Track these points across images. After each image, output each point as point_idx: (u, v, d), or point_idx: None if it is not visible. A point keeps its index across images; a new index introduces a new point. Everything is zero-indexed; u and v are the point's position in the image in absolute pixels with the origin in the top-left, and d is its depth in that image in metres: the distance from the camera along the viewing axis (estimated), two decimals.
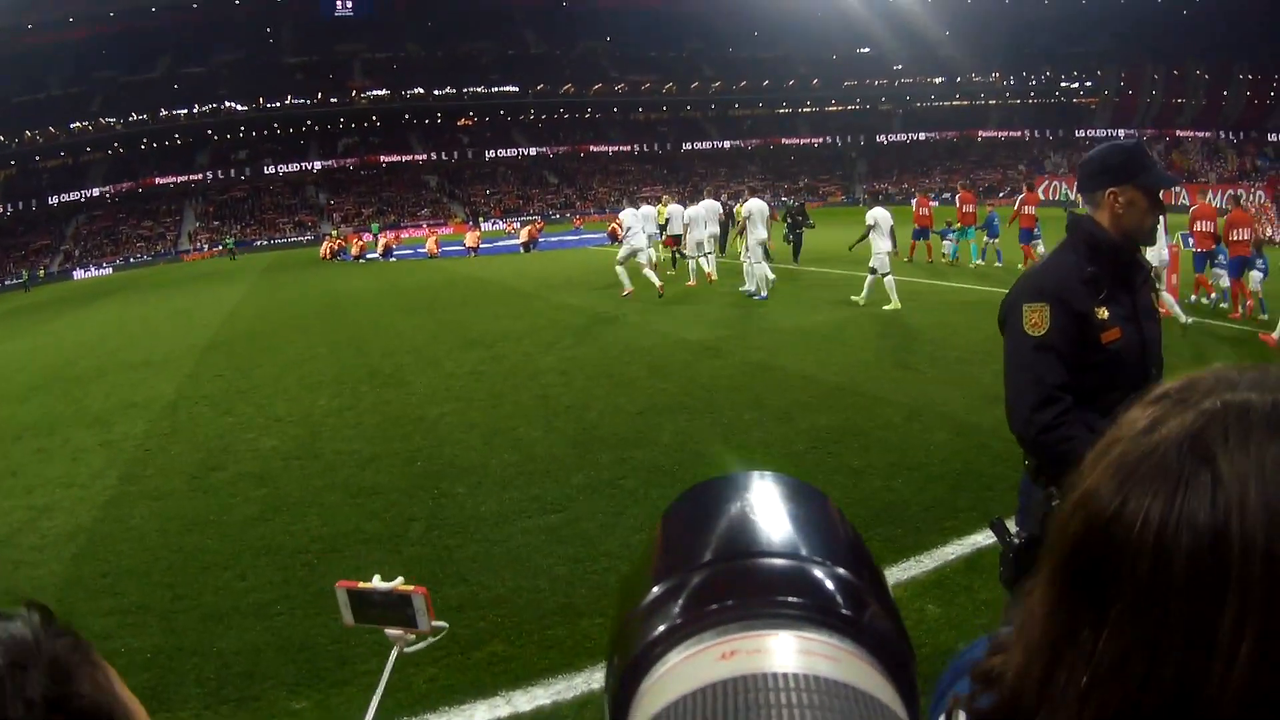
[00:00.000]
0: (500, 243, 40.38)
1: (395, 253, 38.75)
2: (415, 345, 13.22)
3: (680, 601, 0.41)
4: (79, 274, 59.25)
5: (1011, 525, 3.06)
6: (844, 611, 0.40)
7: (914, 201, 23.06)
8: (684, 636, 0.39)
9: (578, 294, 18.26)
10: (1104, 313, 2.78)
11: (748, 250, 16.33)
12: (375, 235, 45.44)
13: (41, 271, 59.02)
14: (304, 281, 29.06)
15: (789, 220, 23.02)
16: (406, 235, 55.02)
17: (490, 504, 6.24)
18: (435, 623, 1.67)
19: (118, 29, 74.90)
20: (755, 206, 16.57)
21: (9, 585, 5.62)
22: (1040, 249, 18.14)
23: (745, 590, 0.40)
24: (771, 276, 16.12)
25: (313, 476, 7.27)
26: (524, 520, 5.89)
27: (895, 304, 13.60)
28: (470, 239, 36.78)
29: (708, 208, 18.80)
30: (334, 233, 53.09)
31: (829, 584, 0.41)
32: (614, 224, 34.38)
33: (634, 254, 16.78)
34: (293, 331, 16.10)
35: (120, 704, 0.76)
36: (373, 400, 9.79)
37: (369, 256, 38.49)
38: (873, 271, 14.10)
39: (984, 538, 5.05)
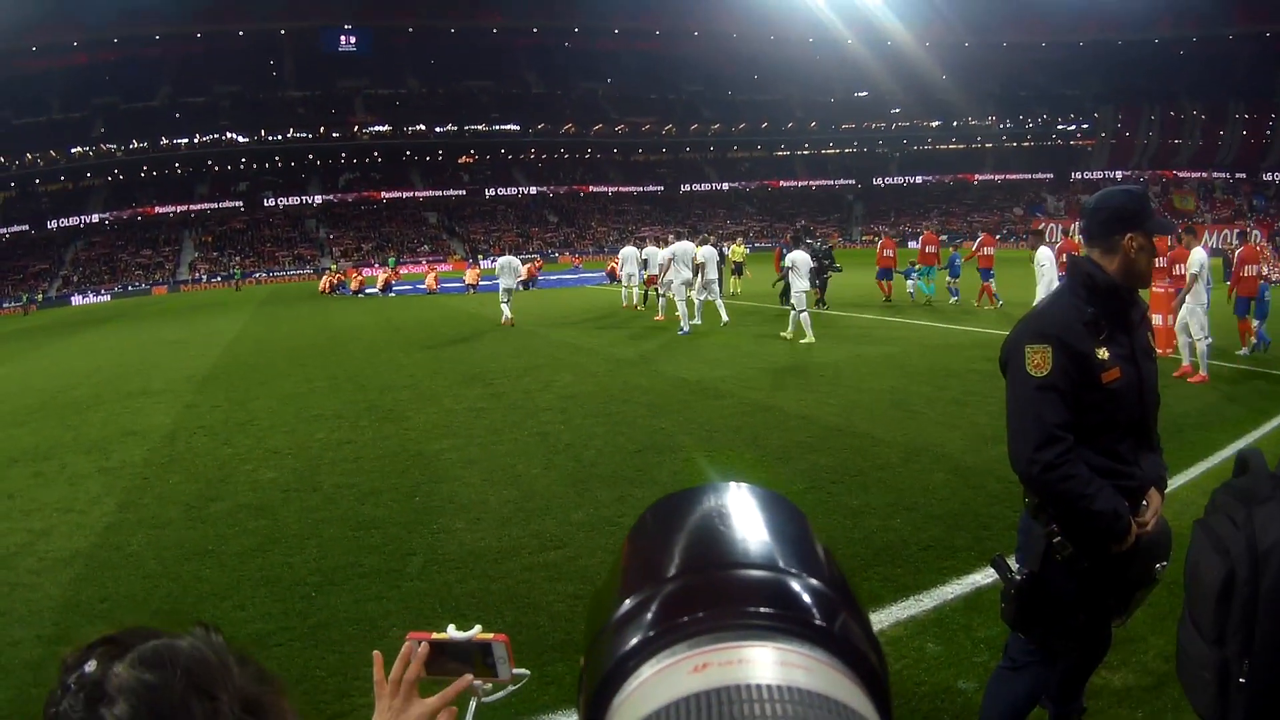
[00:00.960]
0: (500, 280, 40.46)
1: (395, 288, 38.80)
2: (414, 380, 13.22)
3: (651, 614, 0.41)
4: (77, 299, 59.29)
5: (1011, 562, 3.10)
6: (817, 622, 0.40)
7: (879, 244, 23.92)
8: (656, 650, 0.39)
9: (576, 332, 18.34)
10: (1104, 353, 2.84)
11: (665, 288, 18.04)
12: (392, 268, 45.36)
13: (40, 295, 59.08)
14: (302, 315, 29.06)
15: (815, 264, 19.95)
16: (406, 271, 55.09)
17: (489, 540, 6.24)
18: (516, 670, 1.57)
19: (120, 56, 75.35)
20: (680, 249, 17.83)
21: (6, 606, 5.61)
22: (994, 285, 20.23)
23: (717, 602, 0.40)
24: (692, 322, 17.57)
25: (311, 509, 7.25)
26: (523, 557, 5.89)
27: (810, 339, 15.05)
28: (470, 276, 36.87)
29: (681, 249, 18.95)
30: (333, 267, 53.21)
31: (802, 595, 0.41)
32: (613, 263, 34.57)
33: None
34: (291, 365, 16.08)
35: None
36: (372, 435, 9.79)
37: (368, 291, 38.55)
38: (792, 308, 15.67)
39: (983, 577, 5.08)
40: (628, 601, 0.42)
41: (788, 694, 0.35)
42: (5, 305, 57.02)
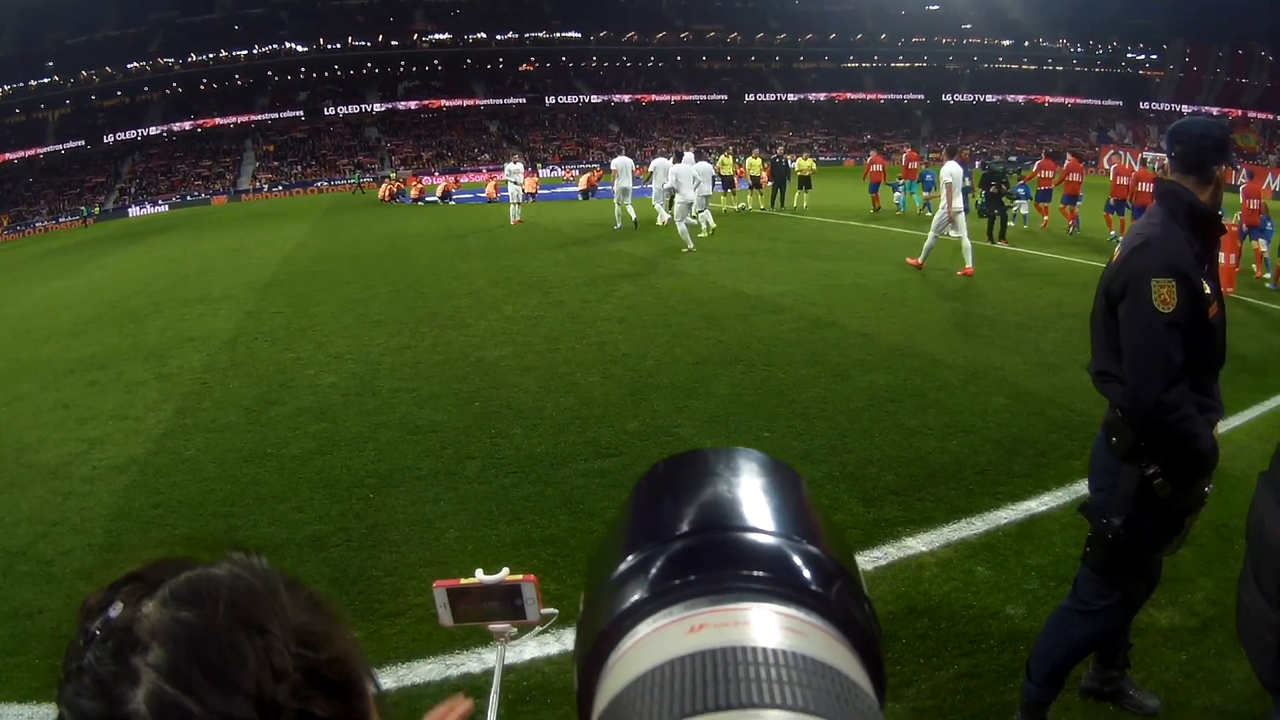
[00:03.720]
0: (558, 189, 40.36)
1: (454, 196, 38.78)
2: (474, 288, 13.28)
3: (649, 575, 0.41)
4: (134, 211, 59.86)
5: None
6: (812, 587, 0.40)
7: (869, 158, 26.25)
8: (652, 610, 0.40)
9: (636, 243, 18.25)
10: (1206, 287, 2.78)
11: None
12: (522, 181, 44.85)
13: (97, 209, 59.71)
14: (363, 223, 29.12)
15: (986, 190, 17.42)
16: (466, 179, 55.05)
17: (546, 446, 6.32)
18: (544, 610, 1.55)
19: None
20: (620, 162, 20.80)
21: (58, 515, 5.75)
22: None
23: (713, 564, 0.41)
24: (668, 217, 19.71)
25: (371, 413, 7.38)
26: (579, 463, 5.96)
27: (690, 248, 16.50)
28: (529, 184, 36.71)
29: (700, 168, 19.26)
30: (393, 175, 53.31)
31: (797, 559, 0.41)
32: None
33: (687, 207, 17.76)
34: (352, 272, 16.21)
35: (364, 665, 0.67)
36: (432, 340, 9.89)
37: (428, 200, 38.58)
38: (679, 218, 17.29)
39: (1037, 504, 5.06)
40: (628, 560, 0.43)
41: (780, 658, 0.35)
42: (63, 219, 57.86)
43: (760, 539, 0.42)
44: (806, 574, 0.40)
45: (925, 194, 23.39)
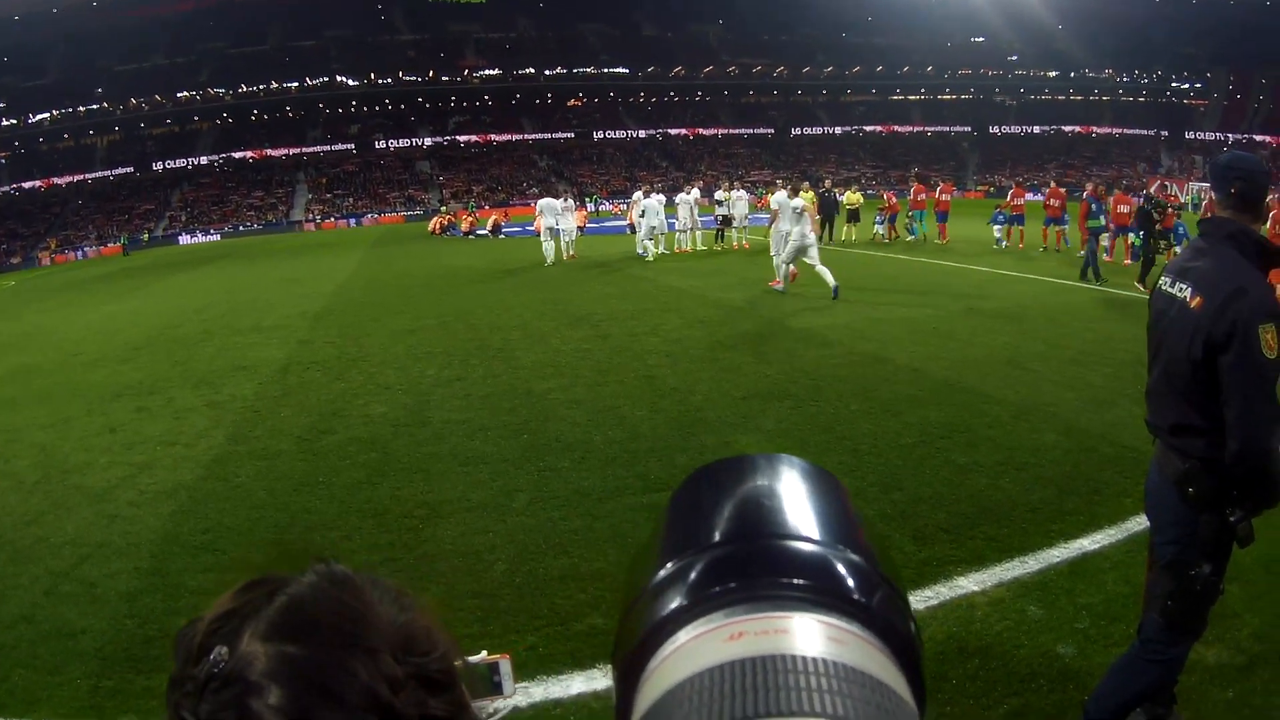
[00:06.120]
0: (607, 223, 40.56)
1: (504, 230, 39.10)
2: (523, 321, 13.37)
3: (688, 582, 0.41)
4: (185, 239, 61.31)
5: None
6: (853, 595, 0.40)
7: (886, 194, 29.46)
8: (692, 617, 0.40)
9: (683, 277, 18.28)
10: None
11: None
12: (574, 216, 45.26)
13: (145, 235, 60.94)
14: (414, 255, 29.48)
15: (1148, 226, 15.86)
16: (516, 213, 55.52)
17: (594, 479, 6.32)
18: (516, 685, 1.61)
19: (225, 2, 76.34)
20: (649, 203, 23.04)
21: (104, 539, 5.83)
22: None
23: (753, 572, 0.41)
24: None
25: (421, 444, 7.43)
26: (627, 497, 5.96)
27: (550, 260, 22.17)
28: (578, 218, 36.90)
29: (681, 199, 24.80)
30: (444, 209, 53.92)
31: (838, 567, 0.41)
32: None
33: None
34: (403, 303, 16.39)
35: (451, 643, 0.68)
36: (481, 373, 9.95)
37: (478, 233, 38.93)
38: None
39: (1090, 542, 4.98)
40: (666, 567, 0.43)
41: (820, 666, 0.35)
42: (110, 244, 59.02)
43: (801, 546, 0.42)
44: (848, 582, 0.40)
45: (917, 222, 26.08)
